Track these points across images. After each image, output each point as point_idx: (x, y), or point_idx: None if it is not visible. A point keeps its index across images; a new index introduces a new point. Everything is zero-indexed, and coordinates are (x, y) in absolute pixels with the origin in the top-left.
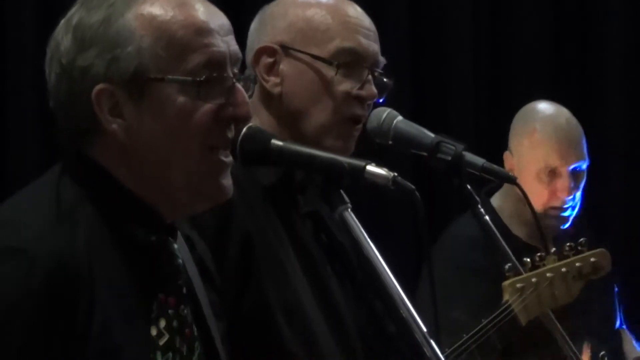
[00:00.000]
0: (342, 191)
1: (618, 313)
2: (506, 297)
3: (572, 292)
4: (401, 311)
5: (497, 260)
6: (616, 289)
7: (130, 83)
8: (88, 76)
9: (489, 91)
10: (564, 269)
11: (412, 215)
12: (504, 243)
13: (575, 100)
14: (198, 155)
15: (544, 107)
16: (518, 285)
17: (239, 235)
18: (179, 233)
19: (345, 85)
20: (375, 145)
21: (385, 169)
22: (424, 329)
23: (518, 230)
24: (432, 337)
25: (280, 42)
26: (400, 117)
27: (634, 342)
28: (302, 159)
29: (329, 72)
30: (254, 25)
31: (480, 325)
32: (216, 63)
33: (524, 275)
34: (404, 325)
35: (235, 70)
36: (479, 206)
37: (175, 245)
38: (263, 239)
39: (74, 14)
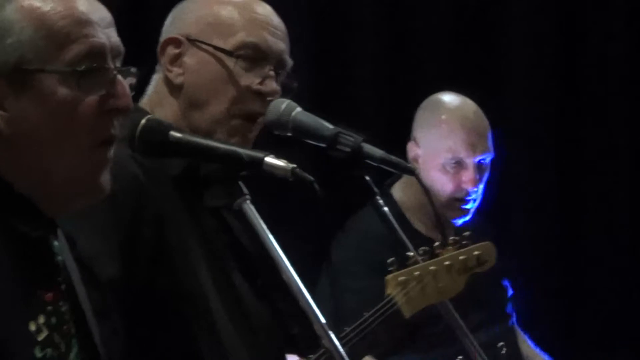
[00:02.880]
0: (241, 183)
1: (509, 303)
2: (389, 290)
3: (457, 285)
4: (300, 303)
5: (400, 255)
6: (506, 282)
7: (12, 75)
8: None
9: (391, 82)
10: (447, 262)
11: (313, 207)
12: (403, 235)
13: (476, 91)
14: (86, 150)
15: (451, 98)
16: (400, 278)
17: (153, 216)
18: (59, 230)
19: (245, 79)
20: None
21: (285, 161)
22: (323, 321)
23: (419, 224)
24: (331, 329)
25: (187, 34)
26: (299, 109)
27: (528, 341)
28: (201, 151)
29: (230, 64)
30: (167, 21)
31: (362, 319)
32: (96, 54)
33: (407, 269)
34: (304, 317)
35: (118, 64)
36: (378, 197)
37: (56, 243)
38: (172, 225)
39: None
